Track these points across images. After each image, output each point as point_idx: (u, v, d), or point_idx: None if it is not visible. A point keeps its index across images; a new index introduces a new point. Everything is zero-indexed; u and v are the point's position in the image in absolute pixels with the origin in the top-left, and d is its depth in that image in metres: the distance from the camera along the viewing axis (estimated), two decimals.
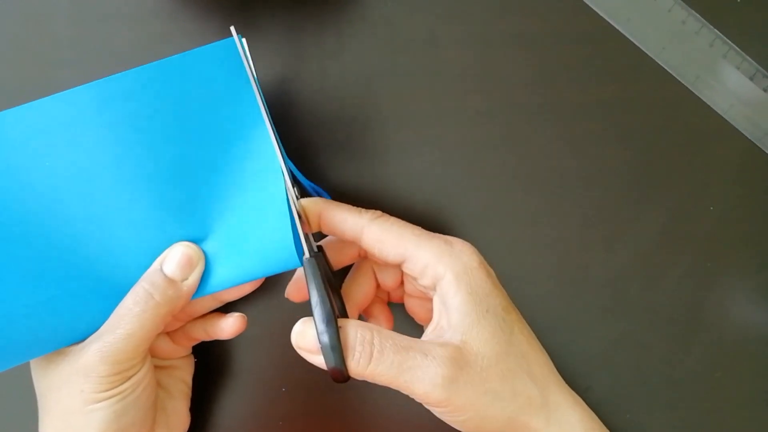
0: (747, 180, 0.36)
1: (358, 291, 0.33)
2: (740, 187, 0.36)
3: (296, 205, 0.29)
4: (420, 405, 0.28)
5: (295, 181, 0.31)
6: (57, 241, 0.29)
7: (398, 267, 0.30)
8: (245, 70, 0.29)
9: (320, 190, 0.33)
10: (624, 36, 0.36)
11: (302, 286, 0.30)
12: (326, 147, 0.36)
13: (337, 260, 0.33)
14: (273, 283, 0.35)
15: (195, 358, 0.35)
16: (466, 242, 0.30)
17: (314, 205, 0.30)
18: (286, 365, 0.35)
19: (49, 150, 0.28)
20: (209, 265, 0.30)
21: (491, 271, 0.30)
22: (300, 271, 0.32)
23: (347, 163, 0.36)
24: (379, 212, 0.31)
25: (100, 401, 0.27)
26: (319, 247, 0.31)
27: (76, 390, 0.27)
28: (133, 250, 0.29)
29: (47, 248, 0.28)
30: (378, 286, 0.33)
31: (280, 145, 0.30)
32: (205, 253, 0.30)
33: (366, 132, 0.36)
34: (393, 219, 0.30)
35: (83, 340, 0.29)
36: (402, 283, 0.33)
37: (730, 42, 0.36)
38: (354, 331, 0.27)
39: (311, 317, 0.27)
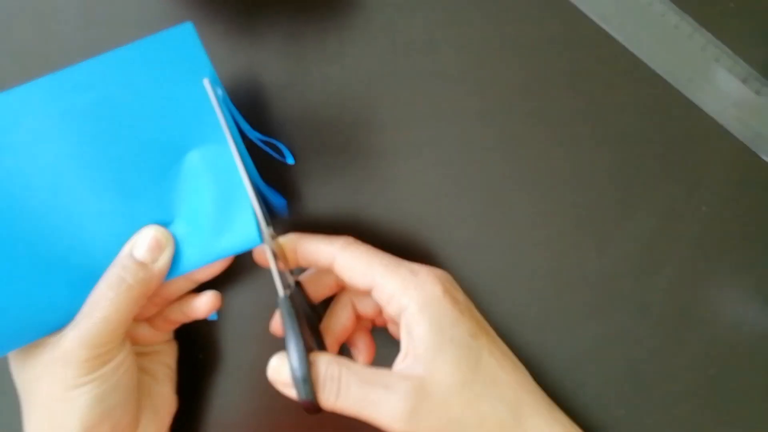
0: (738, 181, 0.37)
1: (337, 324, 0.34)
2: (732, 189, 0.37)
3: (271, 244, 0.30)
4: None
5: (259, 194, 0.31)
6: (26, 235, 0.29)
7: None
8: (199, 56, 0.29)
9: (276, 198, 0.34)
10: (617, 41, 0.37)
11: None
12: (327, 150, 0.36)
13: (318, 293, 0.34)
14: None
15: (200, 355, 0.36)
16: (433, 270, 0.31)
17: (290, 241, 0.32)
18: None
19: (10, 145, 0.28)
20: (179, 247, 0.31)
21: (459, 297, 0.31)
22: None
23: (348, 165, 0.37)
24: (350, 239, 0.32)
25: (82, 386, 0.28)
26: (298, 282, 0.32)
27: (57, 377, 0.28)
28: (102, 238, 0.30)
29: (16, 243, 0.29)
30: (359, 316, 0.34)
31: (239, 132, 0.30)
32: (173, 235, 0.31)
33: (366, 135, 0.37)
34: (363, 247, 0.31)
35: (60, 329, 0.29)
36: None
37: (722, 45, 0.37)
38: (324, 367, 0.28)
39: (285, 352, 0.29)
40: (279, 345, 0.34)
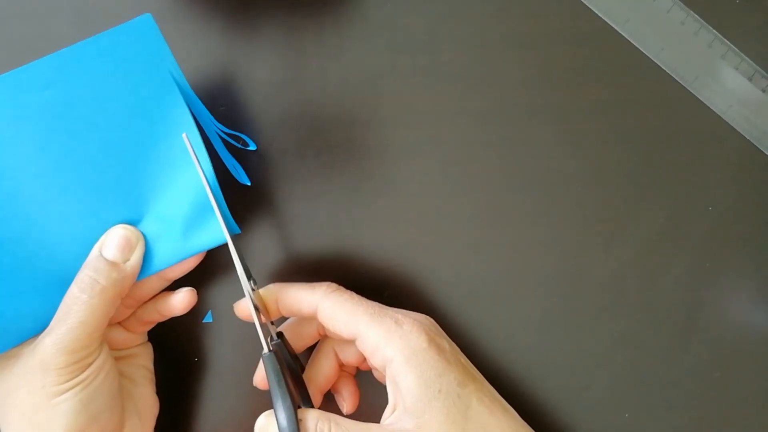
0: (745, 180, 0.36)
1: (319, 373, 0.33)
2: (739, 188, 0.36)
3: (252, 296, 0.30)
4: None
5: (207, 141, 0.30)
6: None
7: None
8: (160, 49, 0.29)
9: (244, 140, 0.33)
10: (623, 37, 0.36)
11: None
12: (326, 148, 0.36)
13: (299, 343, 0.34)
14: None
15: (195, 358, 0.36)
16: (417, 320, 0.30)
17: (270, 293, 0.31)
18: None
19: None
20: (149, 245, 0.30)
21: (444, 346, 0.30)
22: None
23: (347, 163, 0.36)
24: (333, 286, 0.31)
25: (64, 393, 0.27)
26: (279, 334, 0.32)
27: (37, 386, 0.27)
28: (70, 240, 0.29)
29: None
30: (342, 364, 0.34)
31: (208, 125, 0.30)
32: (143, 233, 0.30)
33: (366, 132, 0.36)
34: (347, 294, 0.31)
35: (33, 337, 0.28)
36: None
37: (728, 43, 0.36)
38: (313, 423, 0.28)
39: (273, 410, 0.28)
40: None
